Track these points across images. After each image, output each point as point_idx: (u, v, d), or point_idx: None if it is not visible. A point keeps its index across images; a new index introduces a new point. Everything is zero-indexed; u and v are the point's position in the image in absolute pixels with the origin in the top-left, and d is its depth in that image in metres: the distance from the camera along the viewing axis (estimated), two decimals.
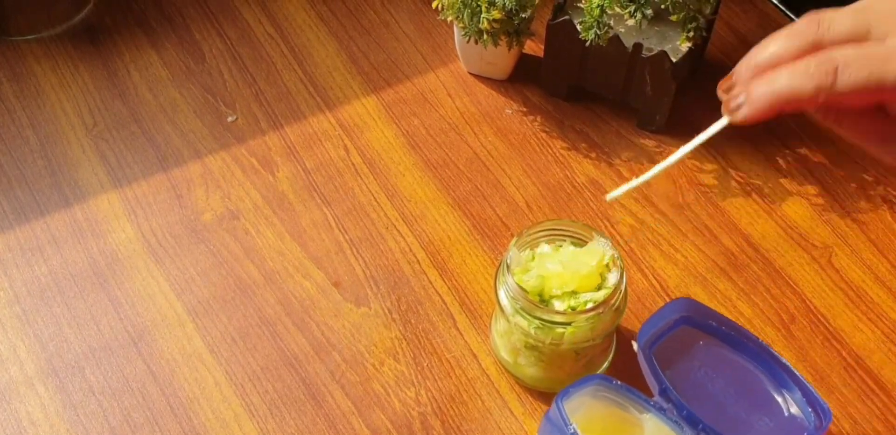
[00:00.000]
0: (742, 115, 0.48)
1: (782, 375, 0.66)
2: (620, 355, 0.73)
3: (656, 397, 0.64)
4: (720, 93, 0.50)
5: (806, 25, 0.47)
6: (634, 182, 0.55)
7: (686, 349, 0.68)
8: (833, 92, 0.45)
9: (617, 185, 0.81)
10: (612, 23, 0.78)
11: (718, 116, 0.90)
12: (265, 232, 0.79)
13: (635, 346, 0.67)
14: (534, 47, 0.89)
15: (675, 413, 0.63)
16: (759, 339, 0.67)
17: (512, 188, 0.81)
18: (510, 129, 0.85)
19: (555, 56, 0.83)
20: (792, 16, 0.92)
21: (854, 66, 0.45)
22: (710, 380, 0.67)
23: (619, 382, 0.63)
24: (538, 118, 0.85)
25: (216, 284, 0.76)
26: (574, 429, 0.59)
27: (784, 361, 0.66)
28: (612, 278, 0.64)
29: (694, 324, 0.68)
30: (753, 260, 0.78)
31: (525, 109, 0.86)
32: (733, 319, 0.74)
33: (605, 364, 0.72)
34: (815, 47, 0.46)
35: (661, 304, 0.75)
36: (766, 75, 0.47)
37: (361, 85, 0.87)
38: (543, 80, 0.86)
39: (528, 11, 0.79)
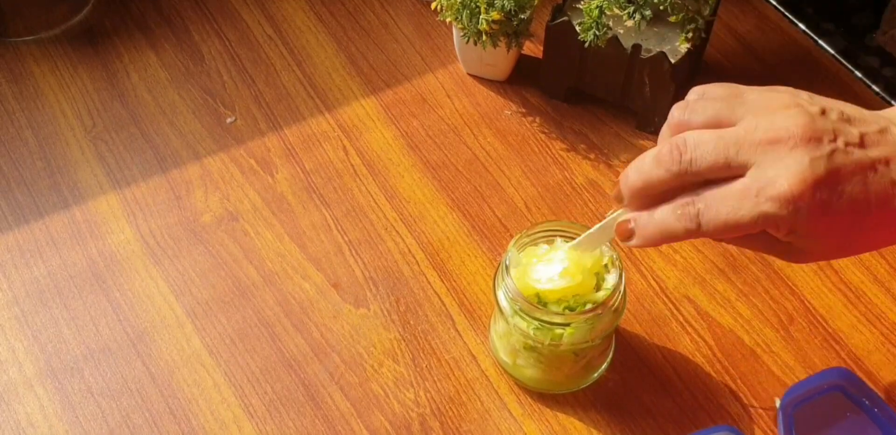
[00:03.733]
0: (634, 244, 0.53)
1: None
2: (619, 357, 0.73)
3: None
4: (614, 199, 0.54)
5: (669, 154, 0.50)
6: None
7: (831, 418, 0.65)
8: (701, 234, 0.49)
9: (616, 186, 0.81)
10: (610, 24, 0.78)
11: None
12: (264, 233, 0.79)
13: (777, 403, 0.65)
14: (533, 48, 0.89)
15: None
16: None
17: (511, 189, 0.82)
18: (509, 131, 0.85)
19: (554, 57, 0.83)
20: (791, 17, 0.92)
21: (712, 212, 0.48)
22: None
23: None
24: (537, 119, 0.85)
25: (215, 286, 0.76)
26: None
27: None
28: (611, 279, 0.64)
29: (847, 394, 0.66)
30: (752, 261, 0.78)
31: (524, 111, 0.86)
32: (732, 321, 0.75)
33: (605, 365, 0.72)
34: (682, 177, 0.50)
35: (661, 305, 0.75)
36: (650, 211, 0.52)
37: (360, 86, 0.88)
38: (542, 81, 0.86)
39: (527, 12, 0.79)
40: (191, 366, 0.73)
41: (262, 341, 0.74)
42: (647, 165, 0.51)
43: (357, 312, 0.75)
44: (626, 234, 0.53)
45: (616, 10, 0.77)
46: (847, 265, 0.77)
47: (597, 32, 0.76)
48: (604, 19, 0.76)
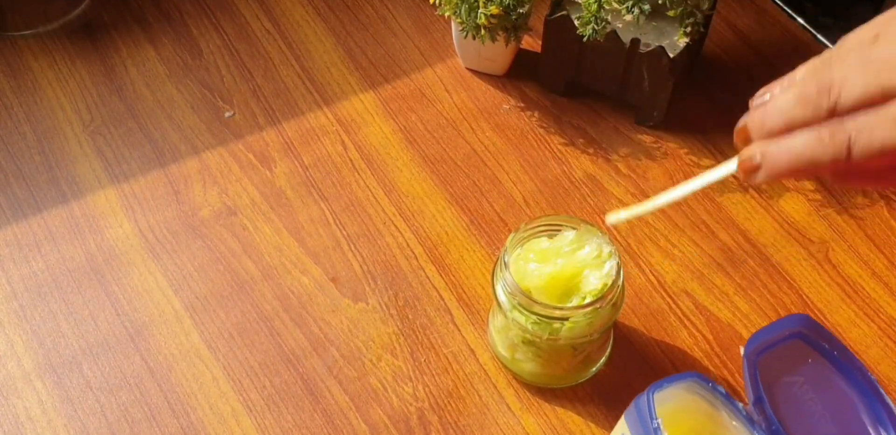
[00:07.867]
0: (760, 178, 0.49)
1: (882, 412, 0.63)
2: (618, 351, 0.73)
3: (750, 406, 0.62)
4: (737, 142, 0.50)
5: (816, 93, 0.46)
6: (637, 209, 0.55)
7: (793, 364, 0.65)
8: (850, 160, 0.45)
9: (614, 181, 0.82)
10: (609, 18, 0.78)
11: (717, 114, 0.90)
12: (263, 228, 0.79)
13: (742, 350, 0.65)
14: (531, 43, 0.89)
15: (763, 426, 0.61)
16: (868, 371, 0.64)
17: (509, 184, 0.82)
18: (508, 125, 0.85)
19: (552, 52, 0.83)
20: (789, 11, 0.92)
21: (866, 135, 0.45)
22: (809, 399, 0.64)
23: (714, 384, 0.61)
24: (536, 114, 0.85)
25: (214, 280, 0.76)
26: (658, 424, 0.58)
27: (888, 399, 0.63)
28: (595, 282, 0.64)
29: (808, 341, 0.66)
30: (750, 255, 0.78)
31: (522, 105, 0.86)
32: (730, 315, 0.75)
33: (603, 359, 0.72)
34: (829, 114, 0.46)
35: (659, 300, 0.75)
36: (782, 140, 0.47)
37: (359, 81, 0.87)
38: (541, 75, 0.86)
39: (526, 7, 0.79)
40: (189, 360, 0.73)
41: (260, 336, 0.74)
42: (788, 103, 0.47)
43: (355, 306, 0.75)
44: (752, 168, 0.49)
45: (615, 5, 0.77)
46: (845, 260, 0.78)
47: (595, 27, 0.76)
48: (602, 13, 0.76)
